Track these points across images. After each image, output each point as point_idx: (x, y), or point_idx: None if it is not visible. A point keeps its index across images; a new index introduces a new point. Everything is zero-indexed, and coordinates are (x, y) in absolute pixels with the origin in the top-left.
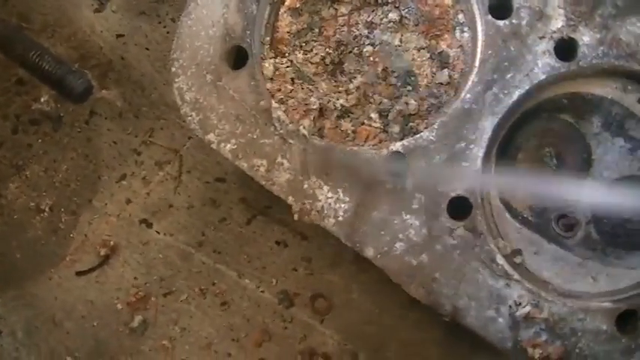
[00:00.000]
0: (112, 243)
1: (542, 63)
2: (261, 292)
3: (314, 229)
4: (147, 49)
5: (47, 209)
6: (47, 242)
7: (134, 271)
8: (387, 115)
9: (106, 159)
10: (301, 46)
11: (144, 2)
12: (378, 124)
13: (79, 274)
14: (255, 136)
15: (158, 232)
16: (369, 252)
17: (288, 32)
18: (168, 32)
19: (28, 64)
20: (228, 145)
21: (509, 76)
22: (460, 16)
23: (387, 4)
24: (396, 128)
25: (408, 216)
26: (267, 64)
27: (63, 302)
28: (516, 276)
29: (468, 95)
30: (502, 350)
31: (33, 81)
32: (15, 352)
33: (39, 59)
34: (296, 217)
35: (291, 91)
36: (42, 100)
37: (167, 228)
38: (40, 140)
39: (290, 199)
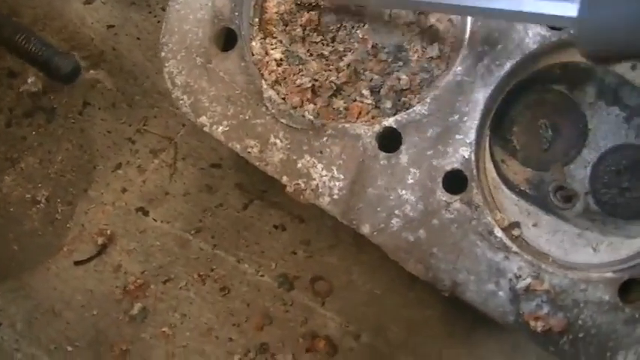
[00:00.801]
0: (109, 232)
1: (533, 33)
2: (261, 276)
3: (312, 212)
4: (138, 38)
5: (43, 200)
6: (44, 233)
7: (132, 259)
8: (379, 91)
9: (100, 149)
10: (289, 27)
11: None
12: (369, 101)
13: (77, 263)
14: (247, 117)
15: (155, 220)
16: (366, 229)
17: (276, 12)
18: (158, 22)
19: (15, 47)
20: (221, 127)
21: (499, 47)
22: None
23: None
24: (388, 104)
25: (404, 191)
26: (256, 45)
27: (62, 292)
28: (515, 248)
29: (459, 68)
30: (504, 324)
31: (24, 73)
32: (15, 344)
33: (25, 42)
34: (290, 192)
35: (282, 71)
36: (29, 81)
37: (164, 215)
38: (34, 132)
39: (284, 179)
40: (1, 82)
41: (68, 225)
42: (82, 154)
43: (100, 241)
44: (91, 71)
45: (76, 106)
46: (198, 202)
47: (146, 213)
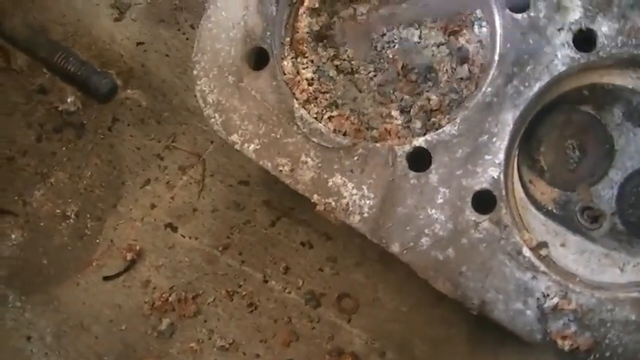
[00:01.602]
0: (137, 247)
1: (562, 55)
2: (288, 293)
3: (338, 229)
4: (167, 55)
5: (73, 215)
6: (73, 248)
7: (160, 274)
8: (409, 112)
9: (129, 164)
10: (322, 46)
11: (163, 10)
12: (399, 121)
13: (106, 278)
14: (278, 136)
15: (183, 236)
16: (395, 248)
17: (307, 32)
18: (187, 39)
19: (53, 66)
20: (252, 146)
21: (529, 68)
22: (478, 11)
23: (404, 1)
24: (417, 124)
25: (433, 211)
26: (287, 64)
27: (90, 307)
28: (543, 268)
29: (489, 89)
30: (531, 343)
31: (55, 89)
32: (44, 357)
33: (64, 61)
34: (321, 211)
35: (313, 90)
36: (68, 100)
37: (192, 231)
38: (63, 147)
39: (315, 197)
40: (32, 98)
41: (97, 240)
42: (111, 170)
43: (128, 256)
44: (128, 90)
45: (106, 122)
46: (226, 218)
47: (174, 229)
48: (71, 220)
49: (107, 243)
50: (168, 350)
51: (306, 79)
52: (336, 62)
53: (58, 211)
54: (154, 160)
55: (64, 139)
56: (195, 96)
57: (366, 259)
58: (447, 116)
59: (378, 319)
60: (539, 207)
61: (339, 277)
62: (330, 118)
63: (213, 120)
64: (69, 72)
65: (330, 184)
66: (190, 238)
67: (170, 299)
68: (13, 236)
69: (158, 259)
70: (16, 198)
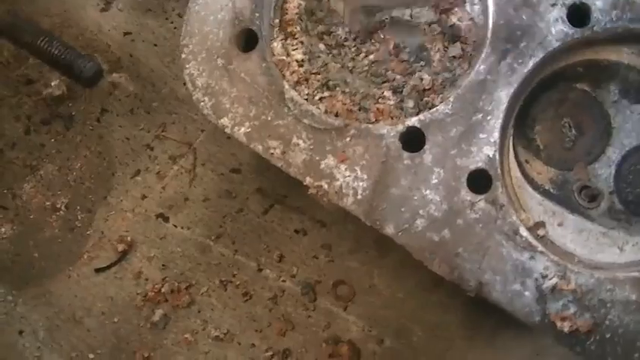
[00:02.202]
0: (129, 239)
1: (556, 30)
2: (282, 281)
3: (333, 216)
4: (155, 45)
5: (63, 208)
6: (64, 240)
7: (153, 265)
8: (402, 91)
9: (119, 155)
10: (310, 28)
11: None
12: (392, 101)
13: (97, 270)
14: (269, 118)
15: (175, 226)
16: (390, 229)
17: (296, 13)
18: (175, 28)
19: (37, 51)
20: (242, 129)
21: (522, 45)
22: None
23: None
24: (410, 103)
25: (428, 191)
26: (277, 46)
27: (83, 299)
28: (541, 248)
29: (482, 66)
30: (530, 324)
31: (42, 79)
32: (37, 351)
33: (48, 45)
34: (312, 194)
35: (304, 71)
36: (52, 84)
37: (184, 221)
38: (52, 140)
39: (307, 180)
40: (19, 90)
41: (88, 232)
42: (101, 161)
43: (120, 247)
44: (114, 74)
45: (94, 112)
46: (219, 207)
47: (166, 219)
48: (61, 213)
49: (98, 235)
50: (162, 342)
51: (296, 61)
52: (327, 43)
53: (48, 203)
54: (144, 150)
55: (53, 131)
56: (184, 80)
57: (361, 246)
58: (440, 95)
59: (375, 306)
60: (535, 186)
61: (334, 265)
62: (321, 99)
63: (202, 104)
64: (53, 56)
65: (323, 166)
66: (182, 228)
67: (163, 290)
68: (3, 229)
69: (150, 249)
70: (5, 191)
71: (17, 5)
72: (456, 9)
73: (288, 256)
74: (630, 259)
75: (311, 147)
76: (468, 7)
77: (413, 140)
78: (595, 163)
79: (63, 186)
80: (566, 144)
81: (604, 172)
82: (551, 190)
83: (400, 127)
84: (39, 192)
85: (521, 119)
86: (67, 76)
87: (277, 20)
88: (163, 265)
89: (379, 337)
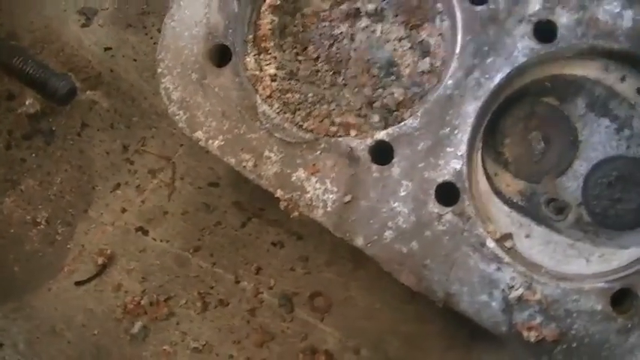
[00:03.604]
0: (108, 252)
1: (522, 46)
2: (260, 293)
3: (309, 229)
4: (134, 60)
5: (43, 222)
6: (45, 254)
7: (132, 278)
8: (371, 106)
9: (99, 169)
10: (283, 43)
11: (130, 15)
12: (361, 115)
13: (77, 284)
14: (241, 132)
15: (154, 239)
16: (359, 241)
17: (270, 29)
18: (155, 43)
19: (12, 69)
20: (216, 142)
21: (489, 60)
22: (439, 5)
23: None
24: (376, 118)
25: (397, 203)
26: (250, 61)
27: (63, 312)
28: (507, 259)
29: (450, 81)
30: (497, 335)
31: (22, 95)
32: None
33: (22, 64)
34: (284, 207)
35: (276, 86)
36: (27, 102)
37: (163, 234)
38: (33, 154)
39: (279, 192)
40: (0, 105)
41: (68, 245)
42: (81, 175)
43: (100, 261)
44: (88, 92)
45: (75, 127)
46: (197, 220)
47: (145, 232)
48: (42, 227)
49: (78, 248)
50: (141, 353)
51: (269, 75)
52: (299, 58)
53: (29, 217)
54: (124, 164)
55: (34, 146)
56: (160, 94)
57: (338, 258)
58: (410, 110)
59: (351, 317)
60: (504, 199)
61: (311, 277)
62: (292, 113)
63: (177, 117)
64: (27, 74)
65: (294, 178)
66: (161, 241)
67: (142, 302)
68: None
69: (129, 262)
70: None
71: None
72: (426, 24)
73: (266, 268)
74: (596, 270)
75: (282, 160)
76: (437, 22)
77: (382, 153)
78: (563, 175)
79: (43, 200)
80: (534, 157)
81: (571, 184)
82: (520, 203)
83: (369, 141)
84: (19, 206)
85: (491, 132)
86: (42, 95)
87: (251, 36)
88: (143, 278)
89: (356, 347)
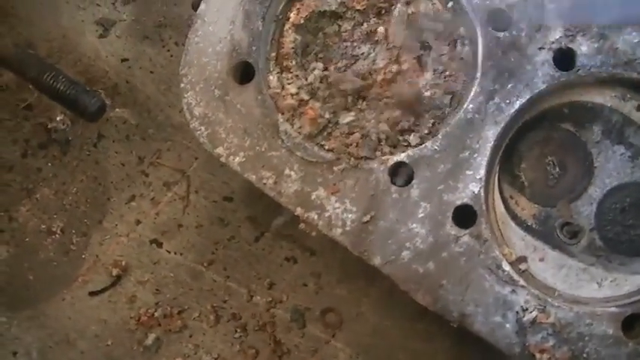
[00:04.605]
0: (123, 263)
1: (542, 73)
2: (273, 308)
3: (322, 245)
4: (151, 72)
5: (58, 231)
6: (59, 263)
7: (146, 290)
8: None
9: (114, 181)
10: (305, 62)
11: (147, 27)
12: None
13: (91, 294)
14: (262, 149)
15: (168, 252)
16: (377, 260)
17: (292, 48)
18: (172, 55)
19: (42, 86)
20: (237, 159)
21: (509, 86)
22: (461, 29)
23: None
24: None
25: (414, 225)
26: (272, 79)
27: (76, 322)
28: (522, 282)
29: (471, 105)
30: (510, 356)
31: (41, 105)
32: None
33: (53, 80)
34: (302, 226)
35: (299, 104)
36: (57, 119)
37: (177, 247)
38: (49, 164)
39: (298, 210)
40: (18, 114)
41: (83, 256)
42: (97, 186)
43: (114, 272)
44: (117, 109)
45: (91, 138)
46: (211, 234)
47: (160, 245)
48: (57, 236)
49: (93, 258)
50: None
51: (291, 94)
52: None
53: (44, 226)
54: (139, 176)
55: (50, 155)
56: (182, 109)
57: (350, 275)
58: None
59: (362, 334)
60: (519, 222)
61: (323, 293)
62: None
63: (199, 133)
64: (58, 91)
65: (314, 197)
66: (175, 253)
67: (156, 314)
68: None
69: (143, 274)
70: (1, 214)
71: (16, 30)
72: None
73: (279, 283)
74: (608, 294)
75: (302, 178)
76: (458, 47)
77: (401, 175)
78: (577, 200)
79: (58, 210)
80: (550, 181)
81: (585, 209)
82: (534, 226)
83: (389, 162)
84: (35, 215)
85: (508, 156)
86: (71, 111)
87: (274, 54)
88: (157, 290)
89: None
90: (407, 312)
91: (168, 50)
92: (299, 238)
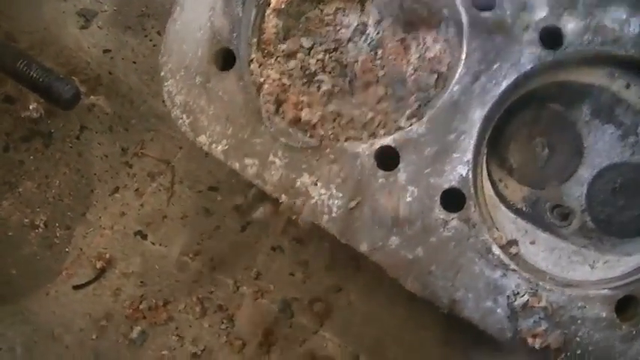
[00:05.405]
0: (107, 256)
1: (529, 52)
2: (259, 298)
3: (309, 234)
4: (134, 62)
5: (42, 225)
6: (43, 257)
7: (131, 282)
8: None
9: (98, 173)
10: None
11: (129, 17)
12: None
13: (76, 287)
14: (245, 136)
15: (153, 243)
16: (364, 247)
17: (274, 33)
18: (154, 45)
19: (16, 74)
20: (220, 146)
21: (495, 66)
22: (445, 11)
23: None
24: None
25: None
26: (254, 65)
27: (61, 316)
28: (513, 266)
29: (456, 87)
30: (502, 341)
31: (22, 98)
32: None
33: (26, 68)
34: (285, 213)
35: (281, 90)
36: (30, 107)
37: (162, 239)
38: (31, 157)
39: (283, 198)
40: None
41: (67, 249)
42: (80, 179)
43: (98, 264)
44: (91, 97)
45: (74, 130)
46: (196, 225)
47: (144, 236)
48: (40, 230)
49: (77, 252)
50: (140, 358)
51: (273, 80)
52: (303, 64)
53: (27, 220)
54: (123, 167)
55: (32, 149)
56: (163, 97)
57: (337, 263)
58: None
59: (351, 323)
60: (508, 205)
61: (311, 282)
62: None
63: (180, 121)
64: (31, 79)
65: (298, 184)
66: (160, 245)
67: (141, 307)
68: None
69: (128, 267)
70: None
71: None
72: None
73: (265, 273)
74: (601, 276)
75: (287, 165)
76: (443, 28)
77: (388, 159)
78: (567, 182)
79: (42, 203)
80: (539, 163)
81: (576, 190)
82: (524, 209)
83: (375, 146)
84: (17, 209)
85: (495, 138)
86: (45, 99)
87: (255, 40)
88: (141, 282)
89: (355, 353)
90: (396, 300)
91: (151, 40)
92: (286, 227)
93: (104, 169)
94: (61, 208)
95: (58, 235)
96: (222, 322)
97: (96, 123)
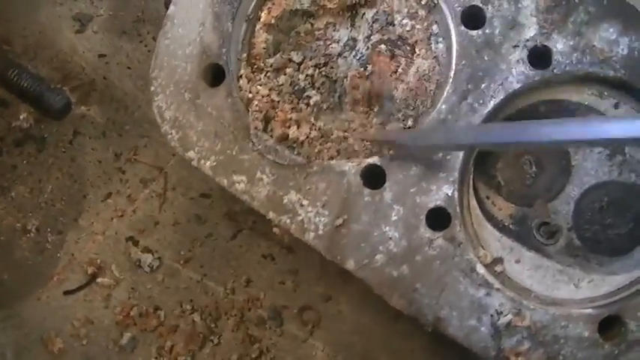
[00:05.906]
0: (99, 261)
1: (517, 72)
2: (250, 305)
3: (300, 242)
4: (129, 67)
5: (33, 229)
6: (34, 262)
7: (122, 288)
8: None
9: (90, 178)
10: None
11: (125, 22)
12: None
13: (67, 293)
14: (234, 153)
15: (145, 250)
16: (350, 264)
17: (264, 48)
18: (149, 51)
19: (6, 83)
20: (208, 162)
21: (483, 85)
22: (434, 27)
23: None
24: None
25: (388, 228)
26: (243, 80)
27: (52, 321)
28: (497, 285)
29: (444, 106)
30: (485, 359)
31: (16, 103)
32: None
33: (17, 77)
34: (276, 231)
35: (270, 106)
36: (21, 117)
37: (153, 245)
38: (24, 161)
39: (270, 214)
40: None
41: (58, 254)
42: (73, 184)
43: (90, 270)
44: (82, 107)
45: (67, 135)
46: (188, 231)
47: (136, 242)
48: (32, 235)
49: (68, 257)
50: None
51: (262, 96)
52: (292, 79)
53: (19, 225)
54: (116, 173)
55: (25, 153)
56: (154, 112)
57: (328, 273)
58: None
59: (340, 332)
60: (495, 223)
61: (301, 290)
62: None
63: (170, 136)
64: (22, 88)
65: (286, 201)
66: (152, 251)
67: (131, 313)
68: None
69: (119, 273)
70: None
71: None
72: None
73: (256, 280)
74: (585, 295)
75: (274, 182)
76: (432, 45)
77: (374, 177)
78: (555, 200)
79: (34, 208)
80: (526, 181)
81: (563, 208)
82: (511, 227)
83: (362, 165)
84: (10, 213)
85: (483, 156)
86: (36, 109)
87: (245, 55)
88: (132, 289)
89: None
90: (385, 310)
91: (146, 46)
92: (276, 235)
93: (97, 175)
94: (53, 213)
95: (49, 240)
96: (213, 329)
97: (89, 128)
